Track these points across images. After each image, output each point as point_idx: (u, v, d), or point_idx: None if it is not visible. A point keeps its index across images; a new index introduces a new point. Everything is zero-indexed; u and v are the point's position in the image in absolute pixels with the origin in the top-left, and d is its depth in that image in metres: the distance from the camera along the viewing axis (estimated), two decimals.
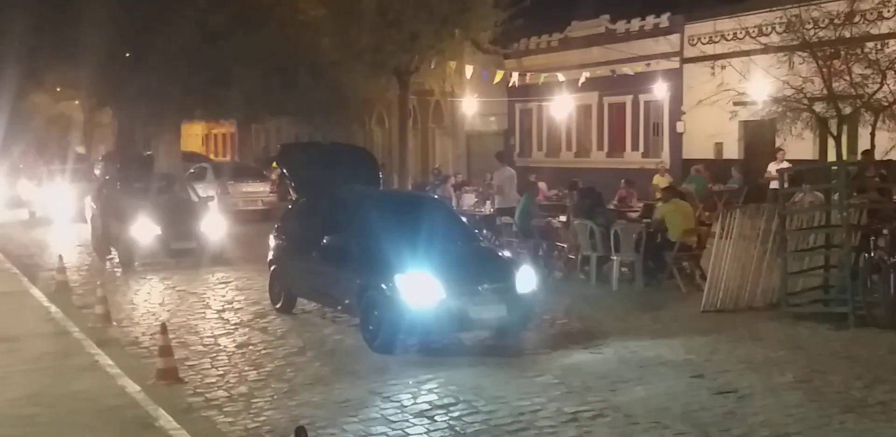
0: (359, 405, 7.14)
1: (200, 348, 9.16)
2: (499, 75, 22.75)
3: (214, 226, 14.93)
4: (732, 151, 20.82)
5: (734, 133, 20.13)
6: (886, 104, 13.32)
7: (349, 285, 9.01)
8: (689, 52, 21.74)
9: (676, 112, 22.37)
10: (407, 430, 6.58)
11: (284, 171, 11.75)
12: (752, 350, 8.67)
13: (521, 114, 27.95)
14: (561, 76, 22.92)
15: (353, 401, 7.24)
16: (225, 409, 7.11)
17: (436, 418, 6.81)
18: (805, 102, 13.79)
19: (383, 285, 8.52)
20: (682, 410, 6.85)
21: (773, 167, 16.81)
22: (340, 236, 9.37)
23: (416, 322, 8.38)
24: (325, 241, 9.58)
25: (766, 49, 15.02)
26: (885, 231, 10.41)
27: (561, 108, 25.01)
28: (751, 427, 6.44)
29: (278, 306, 10.68)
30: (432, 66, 21.52)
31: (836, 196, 10.69)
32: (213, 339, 9.59)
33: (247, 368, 8.37)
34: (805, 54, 13.86)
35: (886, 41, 13.57)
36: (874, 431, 6.32)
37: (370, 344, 8.70)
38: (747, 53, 16.08)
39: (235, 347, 9.22)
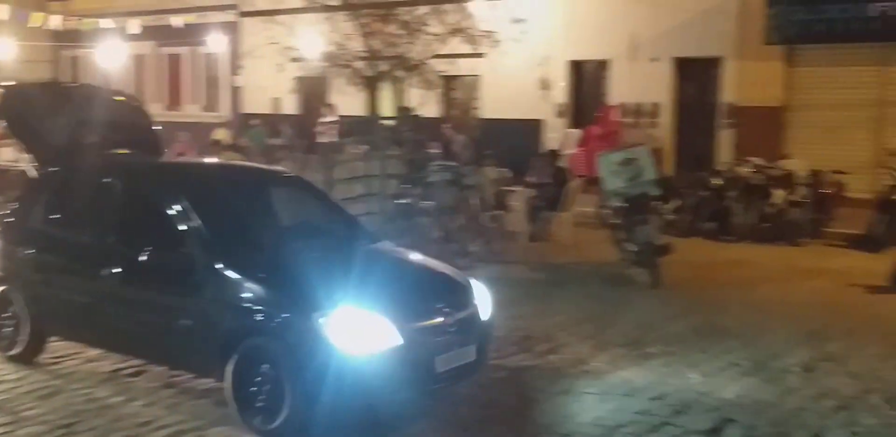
0: None
1: None
2: (38, 18, 20.82)
3: None
4: (290, 106, 21.48)
5: (290, 88, 20.73)
6: (416, 63, 14.67)
7: (205, 330, 5.42)
8: (246, 5, 21.84)
9: (235, 66, 22.46)
10: None
11: (9, 127, 7.24)
12: None
13: (71, 62, 26.04)
14: (112, 23, 21.68)
15: None
16: None
17: None
18: (347, 58, 14.67)
19: (290, 331, 5.14)
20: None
21: (321, 121, 17.74)
22: (175, 249, 5.59)
23: (353, 387, 5.06)
24: (142, 255, 5.70)
25: (314, 7, 15.66)
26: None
27: (114, 57, 23.70)
28: None
29: (13, 352, 6.60)
30: None
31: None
32: None
33: None
34: (347, 13, 14.70)
35: (416, 6, 14.90)
36: None
37: (259, 429, 5.18)
38: (297, 10, 16.63)
39: None
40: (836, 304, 8.49)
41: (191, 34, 22.26)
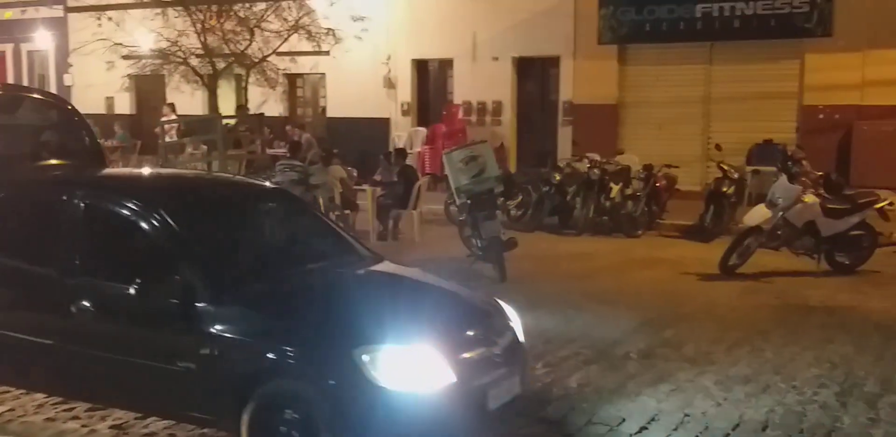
0: None
1: None
2: None
3: None
4: (124, 105, 20.57)
5: (124, 87, 19.85)
6: (256, 60, 14.36)
7: (211, 374, 4.53)
8: (74, 0, 20.75)
9: (63, 64, 21.31)
10: None
11: None
12: None
13: None
14: None
15: None
16: None
17: None
18: (182, 55, 14.17)
19: (324, 371, 4.32)
20: None
21: (160, 121, 17.09)
22: (165, 278, 4.66)
23: (404, 434, 4.40)
24: (122, 287, 4.69)
25: (145, 3, 15.04)
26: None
27: None
28: None
29: None
30: None
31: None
32: None
33: None
34: (181, 9, 14.21)
35: (254, 2, 14.57)
36: None
37: None
38: (127, 5, 15.93)
39: None
40: (670, 292, 8.86)
41: (14, 30, 21.00)
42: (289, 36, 14.47)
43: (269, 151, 14.25)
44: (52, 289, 5.09)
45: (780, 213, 9.45)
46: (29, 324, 5.14)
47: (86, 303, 4.89)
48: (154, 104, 19.02)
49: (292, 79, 18.31)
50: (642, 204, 12.37)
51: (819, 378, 6.03)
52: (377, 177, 12.49)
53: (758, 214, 9.61)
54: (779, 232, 9.56)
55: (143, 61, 15.22)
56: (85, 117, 6.73)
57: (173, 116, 16.83)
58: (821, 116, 13.92)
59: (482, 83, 16.73)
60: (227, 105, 16.46)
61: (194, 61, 14.14)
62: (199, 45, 14.12)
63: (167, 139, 15.52)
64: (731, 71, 14.66)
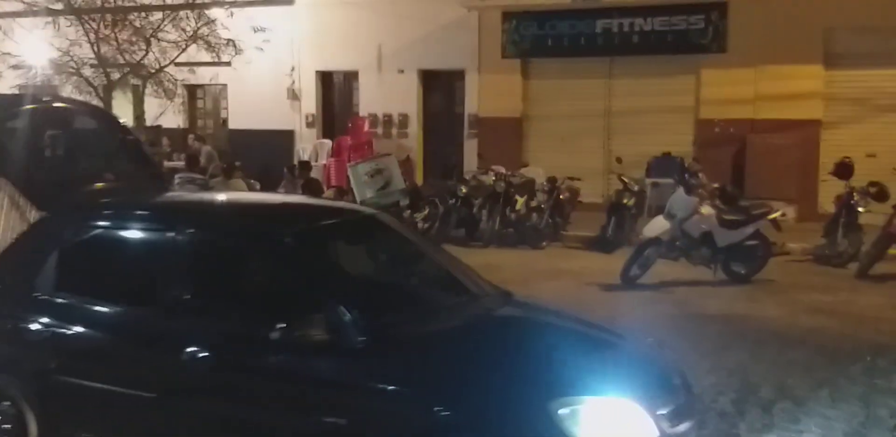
0: None
1: None
2: None
3: None
4: None
5: None
6: (153, 71, 13.97)
7: (368, 433, 3.87)
8: None
9: None
10: None
11: None
12: None
13: None
14: None
15: None
16: None
17: None
18: (74, 65, 13.69)
19: (510, 428, 3.72)
20: None
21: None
22: (305, 321, 4.01)
23: None
24: (252, 331, 4.11)
25: (35, 12, 14.48)
26: None
27: None
28: None
29: None
30: None
31: None
32: None
33: None
34: (72, 18, 13.73)
35: (150, 12, 14.18)
36: None
37: None
38: (15, 14, 15.32)
39: None
40: (574, 302, 8.85)
41: None
42: (187, 46, 14.12)
43: (168, 164, 13.86)
44: (154, 333, 4.39)
45: (678, 224, 9.64)
46: (125, 374, 4.41)
47: (200, 349, 4.14)
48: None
49: (192, 90, 17.89)
50: (546, 216, 12.48)
51: (716, 386, 6.12)
52: (281, 190, 12.28)
53: (657, 226, 9.78)
54: (677, 243, 9.75)
55: (33, 71, 14.65)
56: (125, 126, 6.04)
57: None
58: (716, 130, 14.32)
59: (388, 95, 16.67)
60: (123, 116, 15.95)
61: (88, 72, 13.67)
62: (93, 55, 13.66)
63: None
64: (631, 85, 14.97)
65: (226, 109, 18.30)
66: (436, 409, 3.73)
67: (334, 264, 4.66)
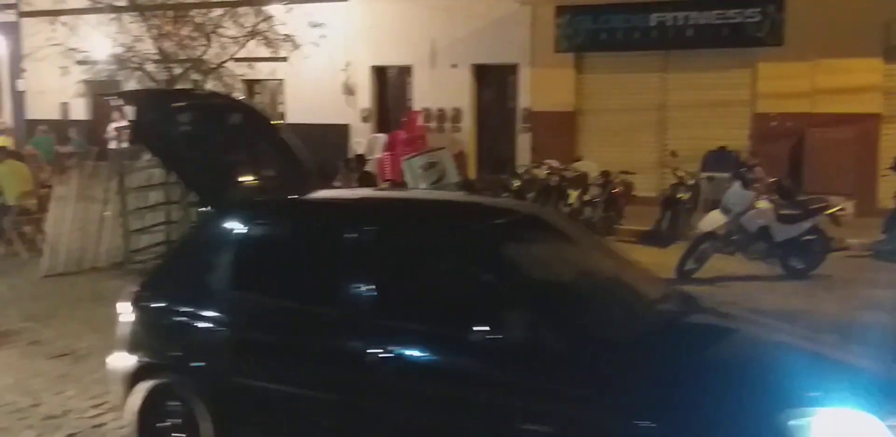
0: None
1: None
2: None
3: None
4: (80, 111, 20.30)
5: (78, 93, 19.59)
6: (213, 66, 14.28)
7: None
8: (25, 4, 20.43)
9: (16, 69, 20.96)
10: None
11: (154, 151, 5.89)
12: (92, 310, 8.68)
13: None
14: None
15: None
16: None
17: None
18: (137, 61, 14.05)
19: None
20: (13, 380, 6.61)
21: (112, 127, 16.93)
22: (503, 326, 3.79)
23: None
24: (447, 333, 3.97)
25: (100, 9, 14.87)
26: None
27: None
28: (84, 385, 6.48)
29: None
30: None
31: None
32: None
33: None
34: (136, 15, 14.08)
35: (210, 8, 14.49)
36: None
37: None
38: (81, 11, 15.75)
39: None
40: None
41: None
42: (246, 42, 14.40)
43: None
44: (336, 333, 4.23)
45: (735, 218, 9.62)
46: (304, 376, 4.29)
47: (386, 350, 4.04)
48: (109, 110, 18.79)
49: (250, 85, 18.21)
50: (600, 210, 12.50)
51: None
52: (337, 184, 12.46)
53: (713, 220, 9.78)
54: (733, 237, 9.74)
55: (98, 67, 15.05)
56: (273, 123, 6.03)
57: (125, 122, 16.66)
58: (773, 124, 14.19)
59: (441, 90, 16.79)
60: None
61: (150, 67, 14.02)
62: (155, 51, 14.00)
63: (118, 145, 15.36)
64: (686, 79, 14.89)
65: (283, 103, 18.59)
66: (638, 421, 3.51)
67: (527, 263, 4.41)
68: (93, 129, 19.11)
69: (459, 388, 3.90)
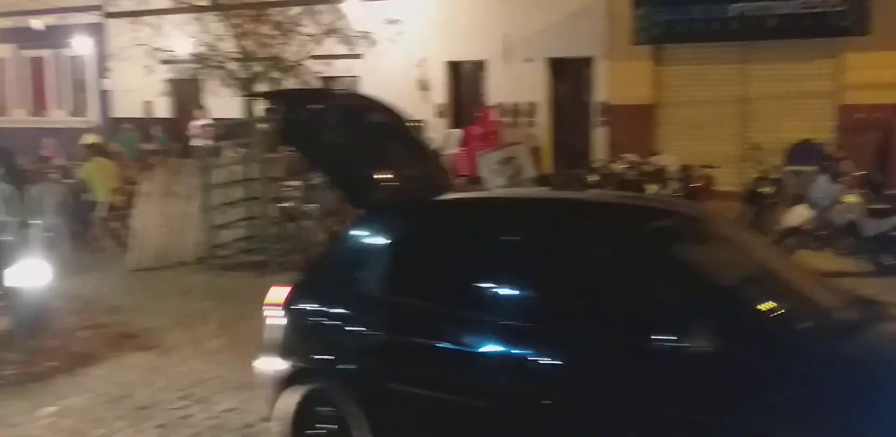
0: None
1: None
2: None
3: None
4: (163, 109, 20.83)
5: (162, 91, 20.11)
6: (292, 64, 14.48)
7: None
8: (111, 6, 21.03)
9: (102, 69, 21.63)
10: None
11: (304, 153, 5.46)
12: (178, 304, 8.91)
13: None
14: None
15: None
16: None
17: None
18: (219, 60, 14.34)
19: None
20: (105, 372, 6.84)
21: (194, 125, 17.32)
22: (691, 331, 3.59)
23: None
24: (651, 340, 3.66)
25: (183, 9, 15.22)
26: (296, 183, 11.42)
27: None
28: (172, 377, 6.66)
29: None
30: None
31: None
32: None
33: None
34: (217, 14, 14.36)
35: (288, 6, 14.70)
36: None
37: None
38: (165, 11, 16.14)
39: None
40: None
41: (54, 36, 21.37)
42: (323, 39, 14.57)
43: None
44: (499, 340, 4.00)
45: (822, 213, 9.37)
46: (464, 383, 4.10)
47: (554, 358, 3.86)
48: (190, 108, 19.24)
49: (326, 82, 18.41)
50: None
51: None
52: None
53: (798, 215, 9.54)
54: (820, 233, 9.48)
55: (181, 65, 15.41)
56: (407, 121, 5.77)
57: (207, 120, 17.04)
58: (859, 116, 13.75)
59: (516, 84, 16.72)
60: (262, 108, 16.57)
61: (231, 65, 14.29)
62: (236, 50, 14.27)
63: (201, 142, 15.68)
64: (767, 70, 14.53)
65: None
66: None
67: (701, 266, 4.08)
68: (175, 126, 19.59)
69: (638, 399, 3.66)
